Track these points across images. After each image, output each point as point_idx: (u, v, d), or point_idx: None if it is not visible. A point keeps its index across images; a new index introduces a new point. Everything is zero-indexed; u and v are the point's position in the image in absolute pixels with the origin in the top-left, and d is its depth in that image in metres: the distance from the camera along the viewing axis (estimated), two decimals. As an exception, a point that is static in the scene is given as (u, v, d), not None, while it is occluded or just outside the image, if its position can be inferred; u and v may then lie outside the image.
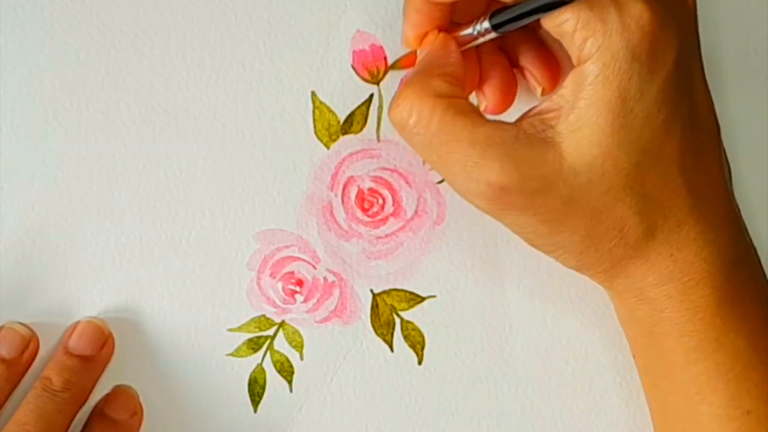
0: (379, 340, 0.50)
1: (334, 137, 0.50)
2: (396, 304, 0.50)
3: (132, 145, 0.50)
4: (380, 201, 0.50)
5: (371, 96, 0.50)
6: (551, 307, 0.48)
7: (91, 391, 0.48)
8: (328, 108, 0.50)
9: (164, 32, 0.50)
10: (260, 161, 0.50)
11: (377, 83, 0.50)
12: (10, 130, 0.49)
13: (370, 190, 0.50)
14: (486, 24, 0.44)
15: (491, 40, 0.46)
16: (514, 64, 0.48)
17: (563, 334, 0.50)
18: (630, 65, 0.41)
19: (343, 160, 0.50)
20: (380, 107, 0.50)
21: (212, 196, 0.50)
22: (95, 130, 0.50)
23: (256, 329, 0.50)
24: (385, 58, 0.50)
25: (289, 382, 0.50)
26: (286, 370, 0.50)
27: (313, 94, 0.50)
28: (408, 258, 0.50)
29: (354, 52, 0.50)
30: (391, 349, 0.50)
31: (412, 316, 0.50)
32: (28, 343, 0.48)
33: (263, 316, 0.50)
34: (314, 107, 0.50)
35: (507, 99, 0.48)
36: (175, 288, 0.49)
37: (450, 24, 0.46)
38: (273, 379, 0.50)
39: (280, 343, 0.50)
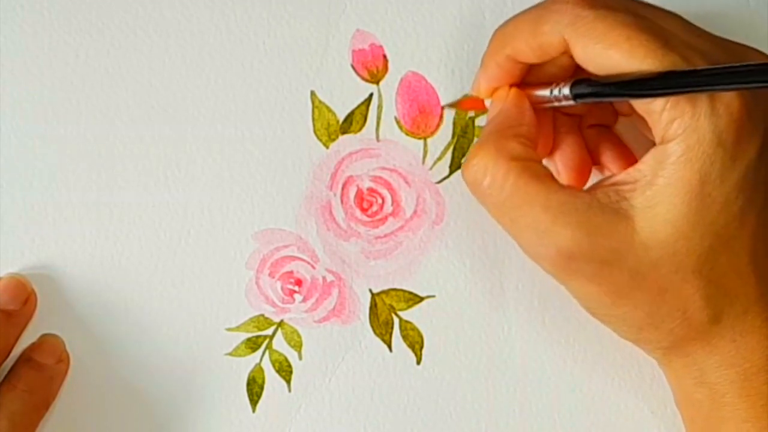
0: (378, 340, 0.50)
1: (333, 137, 0.50)
2: (395, 304, 0.50)
3: (131, 144, 0.50)
4: (379, 201, 0.50)
5: (371, 95, 0.50)
6: (550, 307, 0.48)
7: (12, 347, 0.49)
8: (327, 107, 0.50)
9: (164, 32, 0.50)
10: (259, 161, 0.50)
11: (377, 83, 0.50)
12: (9, 130, 0.49)
13: (370, 189, 0.50)
14: (566, 90, 0.44)
15: (568, 116, 0.47)
16: (593, 161, 0.48)
17: (562, 334, 0.50)
18: (714, 150, 0.41)
19: (343, 159, 0.50)
20: (380, 107, 0.50)
21: (211, 195, 0.50)
22: (94, 129, 0.50)
23: (255, 329, 0.50)
24: (385, 57, 0.50)
25: (288, 382, 0.50)
26: (284, 370, 0.50)
27: (313, 93, 0.50)
28: (407, 258, 0.50)
29: (353, 51, 0.50)
30: (390, 349, 0.50)
31: (411, 316, 0.50)
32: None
33: (262, 315, 0.50)
34: (313, 107, 0.50)
35: (581, 179, 0.48)
36: (174, 287, 0.49)
37: (521, 81, 0.46)
38: (271, 379, 0.50)
39: (279, 343, 0.50)
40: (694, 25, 0.44)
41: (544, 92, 0.45)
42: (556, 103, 0.45)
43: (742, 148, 0.41)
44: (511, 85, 0.46)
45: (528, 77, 0.46)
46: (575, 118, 0.48)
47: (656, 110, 0.41)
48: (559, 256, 0.42)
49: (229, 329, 0.50)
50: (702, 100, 0.41)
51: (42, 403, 0.48)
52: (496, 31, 0.46)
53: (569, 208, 0.42)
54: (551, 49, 0.43)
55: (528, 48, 0.44)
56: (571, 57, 0.43)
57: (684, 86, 0.40)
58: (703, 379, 0.44)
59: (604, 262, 0.42)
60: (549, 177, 0.43)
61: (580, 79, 0.43)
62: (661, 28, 0.42)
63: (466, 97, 0.49)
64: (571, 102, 0.44)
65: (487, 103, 0.47)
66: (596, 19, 0.42)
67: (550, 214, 0.42)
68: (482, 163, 0.43)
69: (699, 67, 0.40)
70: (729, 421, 0.43)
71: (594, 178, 0.48)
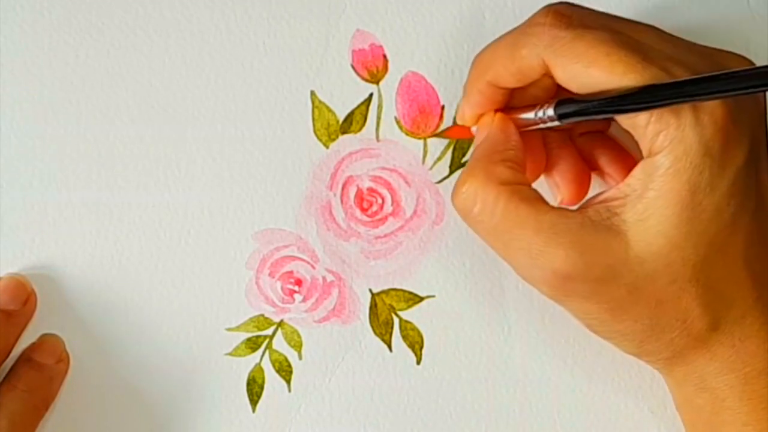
0: (378, 340, 0.50)
1: (333, 137, 0.50)
2: (395, 304, 0.50)
3: (131, 144, 0.50)
4: (379, 201, 0.50)
5: (371, 95, 0.50)
6: (550, 307, 0.48)
7: (12, 347, 0.49)
8: (327, 107, 0.50)
9: (164, 32, 0.50)
10: (259, 161, 0.50)
11: (377, 83, 0.50)
12: (9, 130, 0.49)
13: (369, 189, 0.50)
14: (550, 112, 0.44)
15: (558, 131, 0.46)
16: (591, 167, 0.48)
17: (562, 334, 0.50)
18: (702, 159, 0.41)
19: (343, 159, 0.50)
20: (380, 106, 0.50)
21: (211, 195, 0.50)
22: (94, 129, 0.50)
23: (255, 329, 0.50)
24: (385, 57, 0.50)
25: (288, 382, 0.50)
26: (284, 370, 0.50)
27: (313, 93, 0.50)
28: (407, 258, 0.50)
29: (353, 51, 0.50)
30: (390, 349, 0.50)
31: (411, 316, 0.50)
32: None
33: (262, 315, 0.50)
34: (313, 107, 0.50)
35: (581, 190, 0.48)
36: (174, 287, 0.49)
37: (506, 106, 0.46)
38: (271, 379, 0.50)
39: (279, 343, 0.50)
40: (670, 35, 0.44)
41: (529, 115, 0.45)
42: (542, 125, 0.45)
43: (729, 155, 0.41)
44: (495, 110, 0.46)
45: (512, 101, 0.46)
46: (565, 131, 0.48)
47: (641, 124, 0.41)
48: (555, 278, 0.42)
49: (229, 329, 0.50)
50: (686, 110, 0.40)
51: (42, 403, 0.48)
52: (475, 58, 0.46)
53: (561, 229, 0.42)
54: (531, 73, 0.43)
55: (508, 73, 0.44)
56: (553, 78, 0.43)
57: (666, 98, 0.40)
58: (704, 385, 0.44)
59: (600, 280, 0.42)
60: (539, 199, 0.43)
61: (563, 99, 0.44)
62: (639, 42, 0.42)
63: (452, 126, 0.49)
64: (557, 123, 0.44)
65: (474, 130, 0.47)
66: (574, 38, 0.42)
67: (543, 236, 0.42)
68: (471, 189, 0.43)
69: (680, 79, 0.40)
70: (730, 424, 0.43)
71: (595, 184, 0.48)
